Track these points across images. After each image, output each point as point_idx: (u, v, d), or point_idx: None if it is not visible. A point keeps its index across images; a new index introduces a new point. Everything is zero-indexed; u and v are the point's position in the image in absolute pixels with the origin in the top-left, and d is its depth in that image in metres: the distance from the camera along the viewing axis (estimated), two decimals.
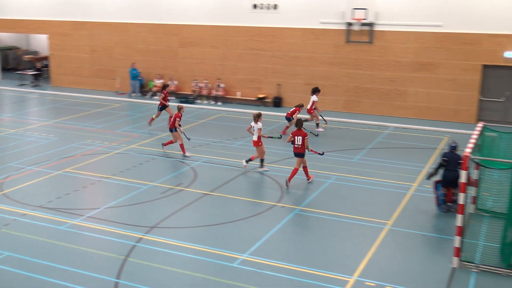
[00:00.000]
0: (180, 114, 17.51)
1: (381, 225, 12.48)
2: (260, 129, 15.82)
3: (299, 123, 14.99)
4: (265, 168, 16.19)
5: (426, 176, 13.90)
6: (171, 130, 17.64)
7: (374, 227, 12.36)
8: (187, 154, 17.42)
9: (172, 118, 17.50)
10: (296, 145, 14.75)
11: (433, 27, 22.72)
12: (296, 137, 14.73)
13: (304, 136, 14.68)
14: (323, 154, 15.87)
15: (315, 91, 20.97)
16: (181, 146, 17.49)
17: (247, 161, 16.18)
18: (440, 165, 13.05)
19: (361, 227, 12.42)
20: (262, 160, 16.23)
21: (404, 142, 19.52)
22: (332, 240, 11.78)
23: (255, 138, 15.87)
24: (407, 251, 11.31)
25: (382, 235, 11.95)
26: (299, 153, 14.80)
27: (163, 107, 20.91)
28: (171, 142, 17.82)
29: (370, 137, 20.35)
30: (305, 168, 15.11)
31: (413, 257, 11.00)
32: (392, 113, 23.91)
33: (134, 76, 27.50)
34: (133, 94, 27.74)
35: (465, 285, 9.92)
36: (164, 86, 21.18)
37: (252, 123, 15.98)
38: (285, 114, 20.73)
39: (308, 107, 20.88)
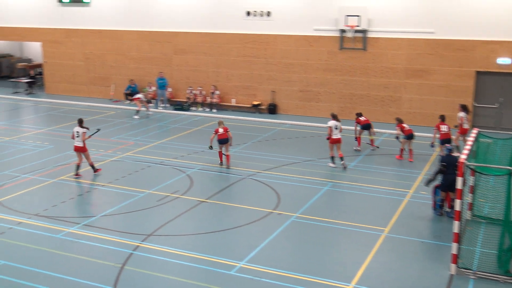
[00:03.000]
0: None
1: (378, 232, 12.49)
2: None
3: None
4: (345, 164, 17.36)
5: (425, 183, 13.80)
6: (226, 141, 17.19)
7: (371, 234, 12.37)
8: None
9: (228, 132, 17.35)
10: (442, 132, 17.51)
11: (425, 33, 22.86)
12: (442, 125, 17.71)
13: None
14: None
15: (465, 108, 19.21)
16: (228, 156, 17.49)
17: (342, 160, 17.24)
18: (440, 171, 13.02)
19: (358, 234, 12.43)
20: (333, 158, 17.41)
21: (399, 148, 19.54)
22: (329, 247, 11.79)
23: (338, 135, 17.28)
24: (405, 257, 11.33)
25: (379, 242, 11.97)
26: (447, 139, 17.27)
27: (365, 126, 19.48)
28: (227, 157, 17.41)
29: (365, 144, 20.37)
30: None
31: (411, 264, 11.02)
32: (387, 120, 23.99)
33: (161, 85, 26.86)
34: (162, 105, 27.04)
35: None
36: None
37: (331, 123, 17.23)
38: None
39: (464, 124, 18.88)
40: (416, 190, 15.22)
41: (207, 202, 14.28)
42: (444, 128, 17.77)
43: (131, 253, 11.27)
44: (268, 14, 25.37)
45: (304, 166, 17.50)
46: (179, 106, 26.76)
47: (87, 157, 16.13)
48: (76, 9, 29.41)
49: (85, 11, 29.23)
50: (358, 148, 19.48)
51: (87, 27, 29.38)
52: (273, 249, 11.58)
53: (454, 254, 10.46)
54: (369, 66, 24.00)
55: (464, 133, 18.79)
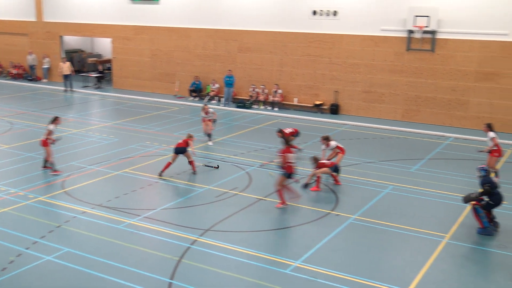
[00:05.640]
0: (191, 141, 16.58)
1: (438, 238, 12.14)
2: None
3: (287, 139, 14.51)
4: None
5: (465, 200, 12.64)
6: (181, 150, 16.29)
7: (430, 240, 12.03)
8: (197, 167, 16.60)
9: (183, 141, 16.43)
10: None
11: (498, 35, 22.00)
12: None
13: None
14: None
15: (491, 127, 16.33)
16: (192, 163, 16.50)
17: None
18: (486, 192, 12.18)
19: (417, 239, 12.12)
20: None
21: (464, 153, 18.96)
22: (387, 251, 11.56)
23: None
24: (465, 266, 10.96)
25: (439, 248, 11.62)
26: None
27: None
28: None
29: (429, 147, 19.88)
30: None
31: (471, 273, 10.64)
32: (453, 123, 23.30)
33: (229, 83, 27.06)
34: (226, 102, 27.42)
35: None
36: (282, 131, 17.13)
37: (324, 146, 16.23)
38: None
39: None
40: None
41: (265, 200, 14.31)
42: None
43: (189, 247, 11.44)
44: (335, 13, 25.13)
45: (365, 167, 17.24)
46: (241, 104, 26.95)
47: (48, 154, 15.94)
48: (146, 7, 30.14)
49: (155, 8, 29.91)
50: None
51: (156, 24, 30.06)
52: (329, 250, 11.46)
53: None
54: (437, 68, 23.36)
55: (500, 155, 16.04)
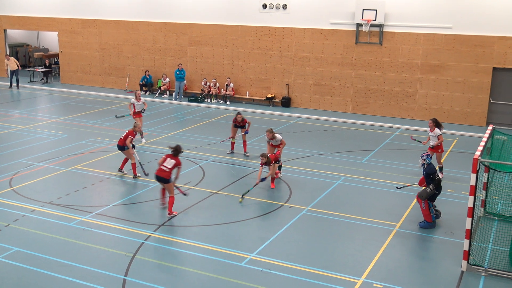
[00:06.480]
0: (134, 133, 15.48)
1: (389, 227, 12.45)
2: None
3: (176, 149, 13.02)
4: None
5: (422, 197, 12.36)
6: (120, 148, 15.47)
7: (382, 229, 12.32)
8: (138, 174, 15.45)
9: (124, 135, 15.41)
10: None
11: (443, 28, 22.64)
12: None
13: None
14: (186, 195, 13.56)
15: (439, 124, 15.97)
16: (133, 165, 15.42)
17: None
18: (438, 183, 12.30)
19: (369, 228, 12.39)
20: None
21: (413, 144, 19.44)
22: (340, 241, 11.77)
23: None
24: (416, 253, 11.29)
25: (390, 237, 11.92)
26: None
27: None
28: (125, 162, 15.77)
29: (379, 139, 20.31)
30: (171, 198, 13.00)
31: (422, 260, 10.97)
32: (401, 115, 23.87)
33: (180, 77, 26.78)
34: (177, 96, 27.08)
35: None
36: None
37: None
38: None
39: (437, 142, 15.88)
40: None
41: (219, 193, 14.32)
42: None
43: (143, 243, 11.34)
44: (285, 7, 25.28)
45: (317, 159, 17.48)
46: (193, 97, 26.81)
47: None
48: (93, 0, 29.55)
49: (102, 1, 29.34)
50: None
51: (104, 18, 29.50)
52: (283, 242, 11.59)
53: (465, 250, 10.39)
54: (384, 61, 23.85)
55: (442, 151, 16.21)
